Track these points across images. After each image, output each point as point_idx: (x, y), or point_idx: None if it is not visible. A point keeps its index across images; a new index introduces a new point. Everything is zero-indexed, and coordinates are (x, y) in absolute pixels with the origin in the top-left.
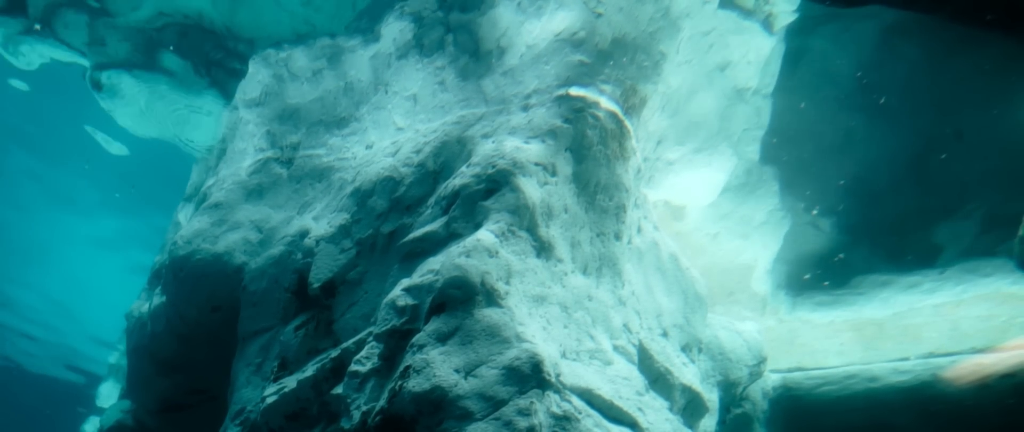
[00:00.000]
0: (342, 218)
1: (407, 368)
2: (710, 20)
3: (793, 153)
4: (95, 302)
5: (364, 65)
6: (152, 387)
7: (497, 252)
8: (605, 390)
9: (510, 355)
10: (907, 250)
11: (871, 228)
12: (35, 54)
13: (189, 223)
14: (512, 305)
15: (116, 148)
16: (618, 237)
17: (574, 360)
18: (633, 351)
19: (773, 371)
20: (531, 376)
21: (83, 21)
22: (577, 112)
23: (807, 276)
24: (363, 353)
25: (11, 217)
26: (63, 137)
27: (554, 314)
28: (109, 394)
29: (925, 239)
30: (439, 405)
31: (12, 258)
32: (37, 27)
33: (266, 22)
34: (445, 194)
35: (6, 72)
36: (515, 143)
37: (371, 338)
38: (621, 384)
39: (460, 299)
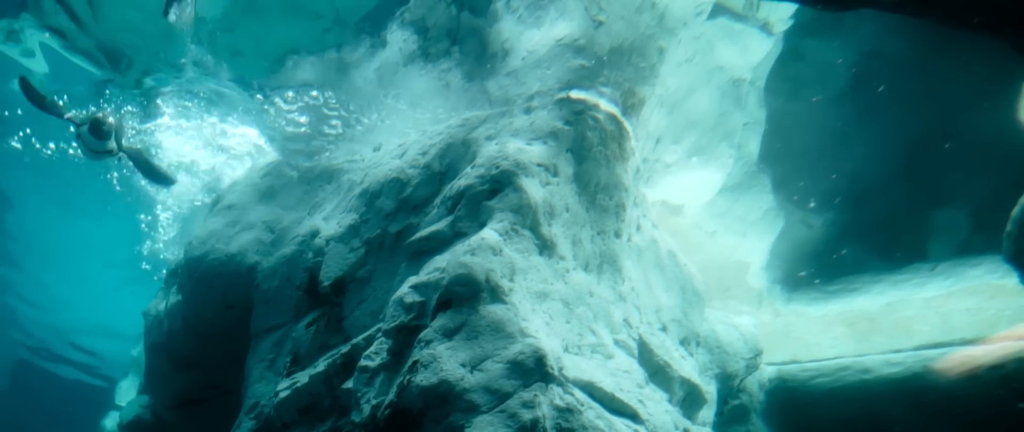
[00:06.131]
0: (351, 218)
1: (415, 363)
2: (705, 26)
3: (788, 152)
4: (104, 301)
5: (370, 70)
6: (169, 383)
7: (501, 250)
8: (606, 383)
9: (514, 350)
10: (898, 245)
11: (863, 224)
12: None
13: (203, 224)
14: (516, 301)
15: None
16: (618, 235)
17: (576, 354)
18: (633, 345)
19: (769, 364)
20: (535, 370)
21: None
22: (578, 114)
23: (803, 273)
24: (372, 349)
25: (26, 214)
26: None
27: (557, 310)
28: (127, 391)
29: (916, 235)
30: (446, 398)
31: (30, 256)
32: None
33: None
34: (450, 194)
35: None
36: (518, 144)
37: (380, 334)
38: (622, 377)
39: (465, 296)
